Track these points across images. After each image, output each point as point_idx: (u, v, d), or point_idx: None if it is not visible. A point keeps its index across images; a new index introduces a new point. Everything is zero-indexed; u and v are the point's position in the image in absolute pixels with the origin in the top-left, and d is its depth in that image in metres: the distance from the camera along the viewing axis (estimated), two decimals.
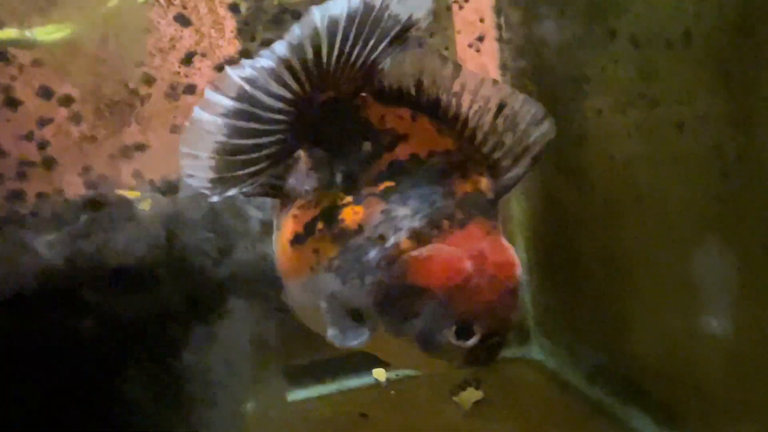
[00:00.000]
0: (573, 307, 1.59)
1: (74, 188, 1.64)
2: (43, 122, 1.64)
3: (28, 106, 1.62)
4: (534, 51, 1.61)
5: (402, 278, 0.62)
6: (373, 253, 0.63)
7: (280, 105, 0.62)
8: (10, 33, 0.98)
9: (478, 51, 1.82)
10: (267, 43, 0.63)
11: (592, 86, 1.29)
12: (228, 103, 0.61)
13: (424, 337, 0.62)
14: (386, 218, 0.64)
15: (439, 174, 0.65)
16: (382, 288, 0.63)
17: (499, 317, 0.62)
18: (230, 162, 0.62)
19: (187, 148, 0.63)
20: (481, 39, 1.82)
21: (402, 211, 0.64)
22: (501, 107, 0.64)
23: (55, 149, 1.65)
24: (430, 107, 0.65)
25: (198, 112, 0.62)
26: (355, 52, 0.63)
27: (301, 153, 0.71)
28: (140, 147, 1.68)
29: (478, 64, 1.82)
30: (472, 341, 0.61)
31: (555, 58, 1.48)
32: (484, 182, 0.65)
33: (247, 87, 0.61)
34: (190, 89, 1.68)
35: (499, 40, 1.79)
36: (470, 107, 0.64)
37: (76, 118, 1.65)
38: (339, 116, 0.67)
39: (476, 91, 0.64)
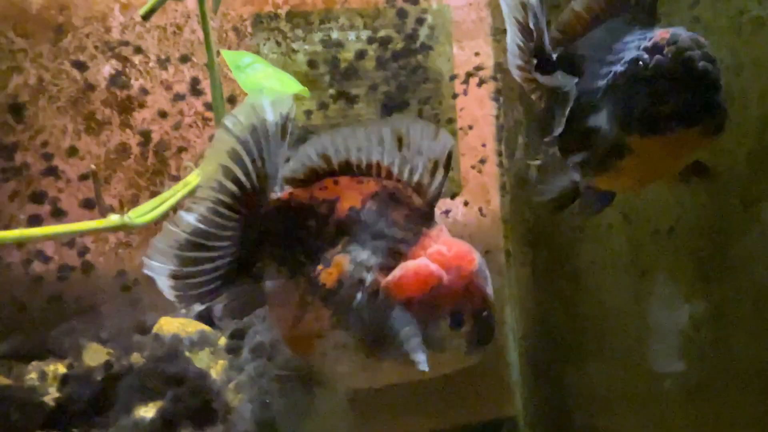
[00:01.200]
0: (563, 408, 1.72)
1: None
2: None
3: (72, 216, 1.75)
4: (529, 182, 1.80)
5: (388, 303, 0.74)
6: (359, 296, 0.76)
7: (224, 233, 0.77)
8: (113, 221, 1.11)
9: (480, 172, 2.01)
10: None
11: (586, 235, 1.49)
12: (182, 236, 0.76)
13: (427, 339, 0.73)
14: (355, 265, 0.76)
15: (377, 213, 0.78)
16: (377, 321, 0.74)
17: (478, 295, 0.75)
18: (186, 285, 0.77)
19: (150, 272, 0.78)
20: (483, 162, 2.01)
21: (364, 254, 0.76)
22: (400, 140, 0.78)
23: (93, 255, 1.77)
24: (343, 169, 0.79)
25: (153, 247, 0.77)
26: (267, 167, 0.78)
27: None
28: None
29: (479, 184, 2.02)
30: (467, 324, 0.74)
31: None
32: (416, 201, 0.79)
33: (197, 223, 0.76)
34: None
35: (499, 165, 1.99)
36: (376, 152, 0.78)
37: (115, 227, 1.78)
38: (278, 218, 0.81)
39: (376, 138, 0.78)
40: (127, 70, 1.76)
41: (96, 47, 1.74)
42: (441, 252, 0.76)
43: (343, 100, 1.90)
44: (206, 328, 1.25)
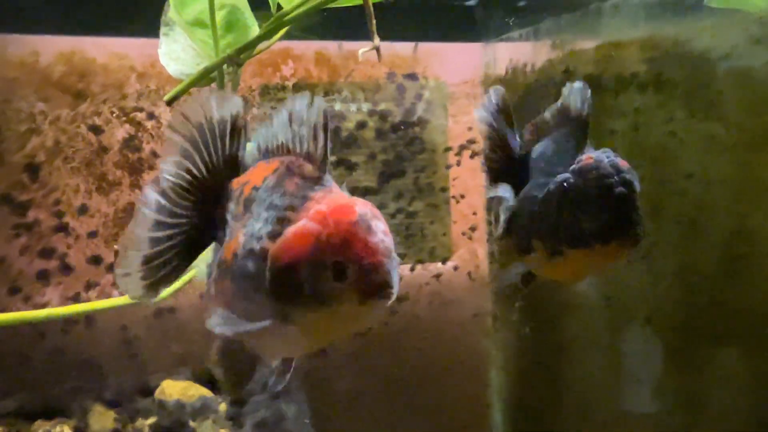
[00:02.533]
0: None
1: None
2: (90, 286, 1.83)
3: (79, 271, 1.81)
4: None
5: (275, 268, 0.74)
6: (251, 265, 0.78)
7: (181, 211, 0.86)
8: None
9: (470, 239, 2.10)
10: None
11: (570, 311, 1.57)
12: (152, 217, 0.84)
13: (317, 295, 0.73)
14: (248, 237, 0.79)
15: (273, 187, 0.80)
16: (271, 284, 0.75)
17: (359, 245, 0.72)
18: (155, 267, 0.84)
19: (122, 270, 0.84)
20: (473, 229, 2.10)
21: (257, 225, 0.79)
22: (290, 116, 0.82)
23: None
24: (268, 155, 0.84)
25: (128, 234, 0.84)
26: (215, 158, 0.86)
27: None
28: (171, 310, 1.88)
29: (469, 250, 2.11)
30: (350, 276, 0.72)
31: None
32: (308, 169, 0.79)
33: (162, 201, 0.85)
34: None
35: (489, 234, 2.07)
36: (281, 134, 0.83)
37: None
38: (223, 202, 0.88)
39: (279, 122, 0.83)
40: (139, 134, 1.85)
41: (112, 112, 1.83)
42: (319, 210, 0.75)
43: (343, 167, 1.99)
44: (207, 392, 1.30)
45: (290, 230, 0.75)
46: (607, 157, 1.00)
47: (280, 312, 0.75)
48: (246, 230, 0.79)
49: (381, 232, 0.74)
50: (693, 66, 1.13)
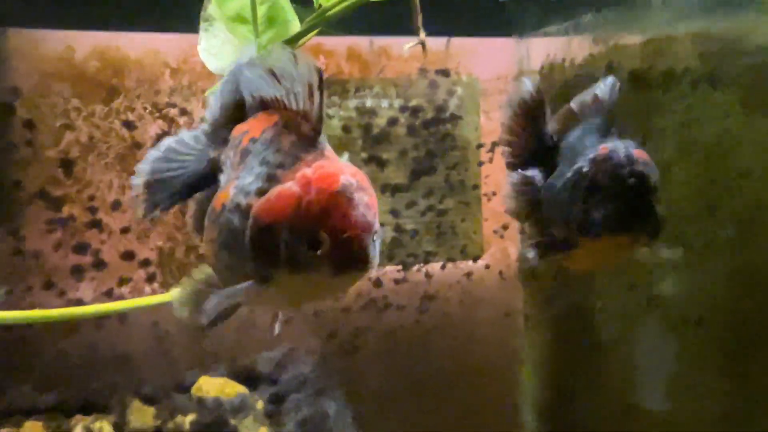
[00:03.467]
0: None
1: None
2: (123, 281, 1.85)
3: (112, 267, 1.83)
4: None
5: (254, 226, 0.74)
6: (236, 219, 0.77)
7: (191, 151, 0.90)
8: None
9: (502, 237, 2.09)
10: None
11: (609, 312, 1.54)
12: (156, 153, 0.91)
13: (290, 261, 0.72)
14: (237, 190, 0.79)
15: (269, 141, 0.80)
16: (251, 242, 0.74)
17: (337, 216, 0.71)
18: (155, 194, 0.89)
19: (132, 193, 0.91)
20: (505, 227, 2.09)
21: (248, 179, 0.78)
22: (274, 75, 0.81)
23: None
24: (264, 105, 0.84)
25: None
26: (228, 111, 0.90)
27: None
28: None
29: (501, 248, 2.09)
30: (324, 246, 0.71)
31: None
32: (304, 128, 0.78)
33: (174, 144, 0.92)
34: None
35: (521, 231, 2.05)
36: (278, 90, 0.82)
37: (151, 278, 1.86)
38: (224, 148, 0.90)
39: (280, 76, 0.82)
40: (172, 130, 1.86)
41: (145, 108, 1.85)
42: (305, 174, 0.73)
43: (374, 164, 1.99)
44: (244, 389, 1.30)
45: (274, 191, 0.74)
46: (625, 148, 0.99)
47: (257, 272, 0.75)
48: (237, 183, 0.79)
49: (363, 205, 0.73)
50: (750, 61, 1.10)
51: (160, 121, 1.85)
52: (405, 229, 2.01)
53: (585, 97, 1.12)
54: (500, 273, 2.07)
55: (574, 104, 1.13)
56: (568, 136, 1.13)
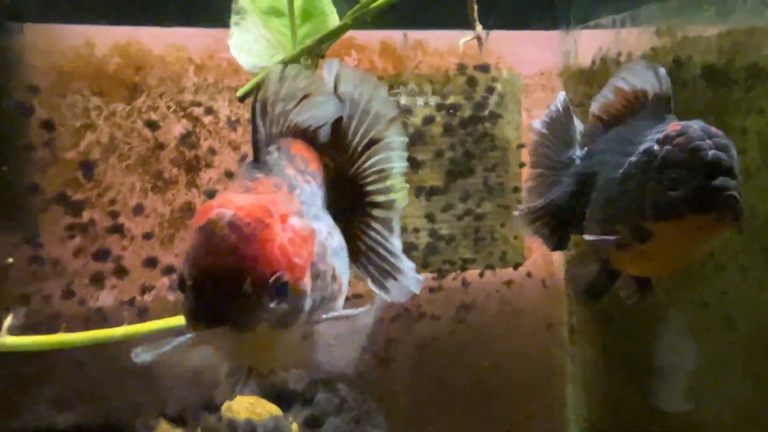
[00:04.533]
0: None
1: None
2: (145, 289, 1.79)
3: (134, 275, 1.77)
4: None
5: None
6: None
7: None
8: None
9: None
10: None
11: (671, 327, 1.44)
12: None
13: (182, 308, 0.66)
14: None
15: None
16: None
17: (193, 259, 0.64)
18: None
19: None
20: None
21: None
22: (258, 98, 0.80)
23: (152, 314, 1.78)
24: None
25: None
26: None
27: None
28: None
29: (543, 255, 2.00)
30: (187, 291, 0.63)
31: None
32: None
33: None
34: None
35: None
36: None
37: (174, 287, 1.80)
38: None
39: None
40: (197, 129, 1.80)
41: (168, 107, 1.79)
42: (201, 210, 0.69)
43: (409, 165, 1.91)
44: (275, 409, 1.23)
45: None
46: (696, 123, 0.94)
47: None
48: None
49: (226, 248, 0.63)
50: None
51: (184, 121, 1.79)
52: (441, 235, 1.95)
53: (626, 91, 1.07)
54: (543, 281, 1.99)
55: (611, 96, 1.09)
56: (608, 136, 1.09)
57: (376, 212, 0.95)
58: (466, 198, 1.95)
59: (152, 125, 1.76)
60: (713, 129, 0.92)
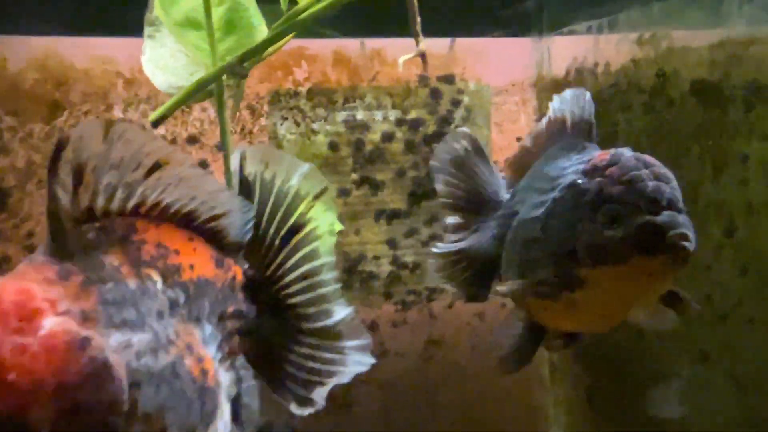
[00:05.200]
0: None
1: None
2: None
3: None
4: None
5: None
6: None
7: None
8: None
9: None
10: None
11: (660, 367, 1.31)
12: None
13: None
14: None
15: None
16: None
17: None
18: None
19: None
20: None
21: None
22: None
23: None
24: None
25: None
26: None
27: None
28: None
29: None
30: None
31: None
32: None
33: None
34: None
35: None
36: None
37: None
38: None
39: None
40: None
41: None
42: None
43: (367, 187, 1.79)
44: None
45: None
46: (627, 150, 0.86)
47: None
48: None
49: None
50: None
51: None
52: (404, 263, 1.81)
53: (541, 126, 1.01)
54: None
55: (528, 140, 1.04)
56: (527, 176, 1.03)
57: (306, 326, 0.79)
58: (431, 222, 1.81)
59: None
60: (647, 157, 0.83)
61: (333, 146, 1.74)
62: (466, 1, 1.74)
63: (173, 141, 1.68)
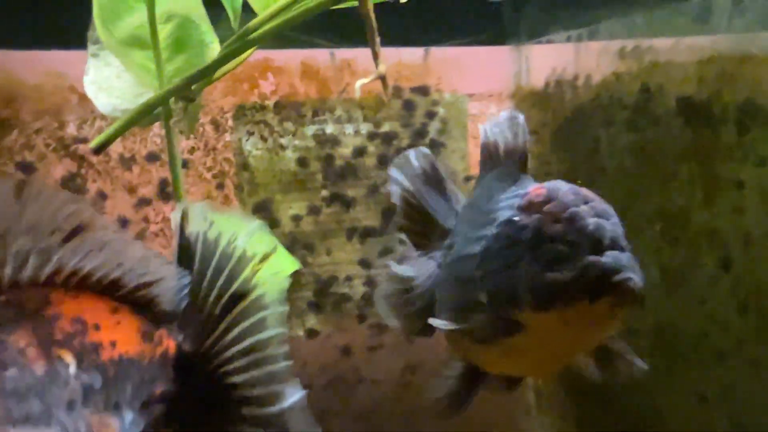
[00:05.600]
0: None
1: None
2: None
3: None
4: None
5: None
6: None
7: None
8: None
9: None
10: None
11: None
12: None
13: None
14: None
15: None
16: None
17: None
18: None
19: None
20: None
21: None
22: None
23: None
24: None
25: None
26: None
27: None
28: None
29: None
30: None
31: None
32: None
33: None
34: None
35: None
36: None
37: None
38: None
39: None
40: (83, 170, 1.58)
41: (47, 145, 1.57)
42: None
43: (339, 204, 1.72)
44: None
45: None
46: (566, 184, 0.83)
47: None
48: None
49: None
50: None
51: (67, 161, 1.56)
52: (378, 283, 1.74)
53: (482, 143, 0.98)
54: None
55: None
56: (467, 202, 1.01)
57: (248, 412, 0.71)
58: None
59: (27, 167, 1.52)
60: (585, 191, 0.80)
61: (302, 162, 1.68)
62: (439, 8, 1.68)
63: (131, 159, 1.61)
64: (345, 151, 1.70)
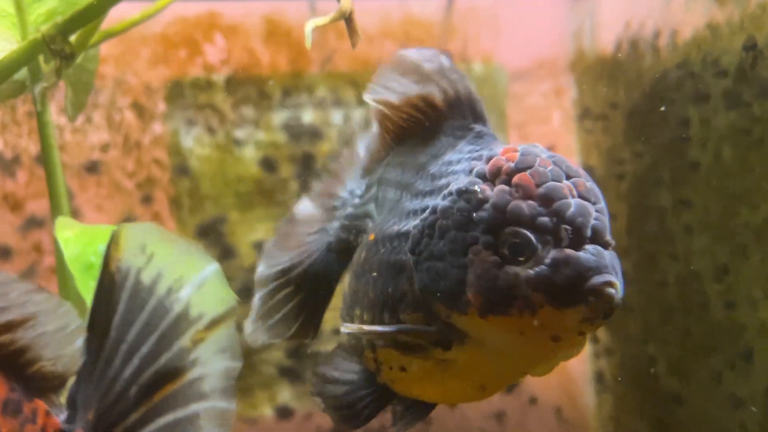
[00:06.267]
0: None
1: None
2: None
3: None
4: None
5: None
6: None
7: None
8: None
9: None
10: None
11: None
12: None
13: None
14: None
15: None
16: None
17: None
18: None
19: None
20: None
21: None
22: None
23: None
24: None
25: None
26: None
27: None
28: None
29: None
30: None
31: None
32: None
33: None
34: None
35: None
36: None
37: None
38: None
39: None
40: None
41: None
42: None
43: None
44: None
45: None
46: (542, 149, 0.87)
47: None
48: None
49: None
50: None
51: None
52: None
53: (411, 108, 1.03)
54: (557, 411, 1.90)
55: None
56: (395, 157, 1.07)
57: None
58: None
59: None
60: (568, 162, 0.85)
61: (266, 164, 1.74)
62: None
63: (16, 159, 1.62)
64: (330, 146, 1.74)
